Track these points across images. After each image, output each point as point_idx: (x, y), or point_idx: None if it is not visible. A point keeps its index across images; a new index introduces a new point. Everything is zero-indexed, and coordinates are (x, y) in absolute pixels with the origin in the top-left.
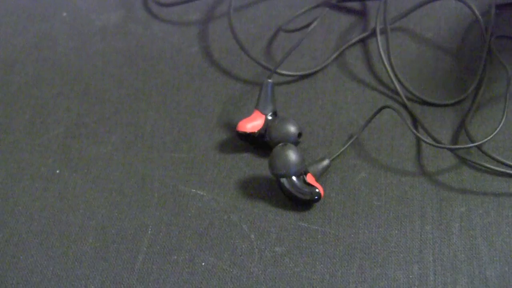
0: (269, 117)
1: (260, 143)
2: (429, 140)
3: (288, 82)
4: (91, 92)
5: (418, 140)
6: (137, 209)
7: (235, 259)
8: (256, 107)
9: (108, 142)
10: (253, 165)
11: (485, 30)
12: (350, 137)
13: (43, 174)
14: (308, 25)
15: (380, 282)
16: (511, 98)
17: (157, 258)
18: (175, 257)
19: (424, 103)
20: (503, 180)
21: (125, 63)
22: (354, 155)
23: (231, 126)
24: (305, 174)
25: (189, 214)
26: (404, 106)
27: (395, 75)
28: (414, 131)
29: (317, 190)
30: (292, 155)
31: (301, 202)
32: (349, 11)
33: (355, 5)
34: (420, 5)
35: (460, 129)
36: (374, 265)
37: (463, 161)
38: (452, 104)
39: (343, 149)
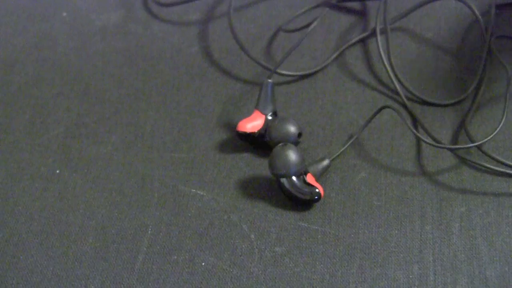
0: (269, 117)
1: (260, 143)
2: (429, 140)
3: (288, 82)
4: (91, 92)
5: (418, 140)
6: (137, 209)
7: (235, 259)
8: (256, 107)
9: (108, 142)
10: (253, 165)
11: (485, 30)
12: (350, 137)
13: (43, 174)
14: (308, 25)
15: (380, 282)
16: (511, 98)
17: (157, 258)
18: (175, 257)
19: (424, 103)
20: (503, 180)
21: (125, 63)
22: (354, 155)
23: (231, 126)
24: (305, 174)
25: (189, 214)
26: (404, 106)
27: (395, 75)
28: (414, 131)
29: (317, 190)
30: (292, 155)
31: (301, 202)
32: (349, 11)
33: (355, 5)
34: (420, 5)
35: (460, 129)
36: (374, 265)
37: (463, 161)
38: (452, 104)
39: (343, 149)
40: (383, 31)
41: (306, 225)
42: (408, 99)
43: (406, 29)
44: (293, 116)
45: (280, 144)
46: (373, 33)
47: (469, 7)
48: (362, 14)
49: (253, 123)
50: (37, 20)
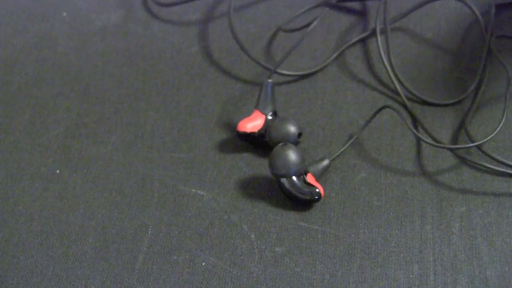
0: (269, 117)
1: (260, 143)
2: (429, 140)
3: (288, 82)
4: (91, 92)
5: (418, 140)
6: (137, 209)
7: (235, 259)
8: (256, 107)
9: (108, 142)
10: (253, 165)
11: (485, 30)
12: (350, 137)
13: (43, 174)
14: (308, 25)
15: (380, 282)
16: (511, 98)
17: (157, 258)
18: (175, 257)
19: (424, 103)
20: (503, 180)
21: (125, 63)
22: (354, 155)
23: (231, 126)
24: (305, 174)
25: (189, 214)
26: (404, 106)
27: (395, 75)
28: (414, 131)
29: (317, 190)
30: (292, 155)
31: (301, 202)
32: (349, 11)
33: (355, 5)
34: (420, 5)
35: (460, 129)
36: (374, 265)
37: (463, 161)
38: (452, 104)
39: (343, 149)
40: (383, 31)
41: (306, 225)
42: (408, 99)
43: (406, 29)
44: (293, 116)
45: (280, 144)
46: (373, 33)
47: (469, 7)
48: (362, 14)
49: (253, 123)
50: (37, 20)
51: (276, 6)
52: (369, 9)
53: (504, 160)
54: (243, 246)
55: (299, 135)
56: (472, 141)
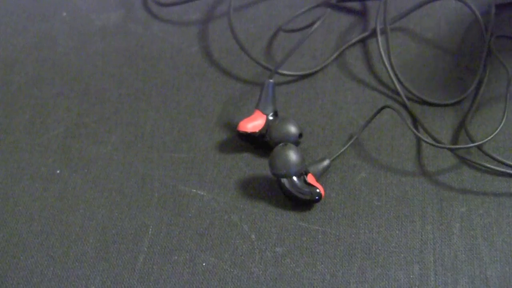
0: (270, 117)
1: (260, 143)
2: (429, 140)
3: (288, 82)
4: (91, 92)
5: (418, 140)
6: (137, 209)
7: (235, 259)
8: (257, 107)
9: (108, 142)
10: (253, 165)
11: (485, 30)
12: (350, 137)
13: (43, 174)
14: (308, 26)
15: (381, 282)
16: (511, 98)
17: (157, 258)
18: (176, 257)
19: (424, 103)
20: (504, 180)
21: (125, 63)
22: (354, 155)
23: (231, 126)
24: (306, 174)
25: (190, 214)
26: (404, 106)
27: (395, 75)
28: (414, 131)
29: (317, 190)
30: (293, 155)
31: (301, 202)
32: (349, 11)
33: (355, 5)
34: (420, 5)
35: (460, 129)
36: (375, 265)
37: (463, 161)
38: (452, 104)
39: (343, 149)
40: (383, 31)
41: (306, 225)
42: (408, 99)
43: (406, 29)
44: (293, 116)
45: (280, 144)
46: (373, 33)
47: (469, 7)
48: (362, 14)
49: (254, 123)
50: (37, 20)
51: (276, 6)
52: (369, 9)
53: (504, 160)
54: (244, 246)
55: (300, 135)
56: (472, 141)
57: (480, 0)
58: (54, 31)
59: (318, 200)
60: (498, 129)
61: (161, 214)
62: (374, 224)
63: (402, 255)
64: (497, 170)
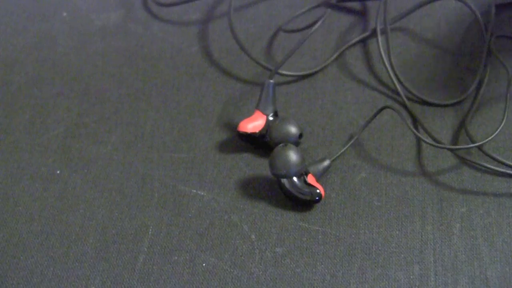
0: (270, 118)
1: (260, 144)
2: (429, 140)
3: (288, 82)
4: (91, 92)
5: (418, 140)
6: (137, 209)
7: (235, 260)
8: (257, 107)
9: (108, 142)
10: (253, 165)
11: (485, 30)
12: (350, 137)
13: (43, 174)
14: (308, 26)
15: (381, 282)
16: (511, 98)
17: (157, 258)
18: (176, 257)
19: (424, 103)
20: (504, 180)
21: (125, 63)
22: (354, 155)
23: (231, 126)
24: (306, 174)
25: (190, 215)
26: (404, 106)
27: (395, 75)
28: (414, 131)
29: (317, 190)
30: (293, 156)
31: (301, 203)
32: (349, 11)
33: (355, 5)
34: (420, 5)
35: (460, 129)
36: (375, 266)
37: (464, 161)
38: (452, 104)
39: (343, 149)
40: (383, 31)
41: (306, 225)
42: (408, 99)
43: (406, 29)
44: (293, 116)
45: (280, 145)
46: (373, 33)
47: (469, 7)
48: (362, 14)
49: (254, 123)
50: (37, 20)
51: (276, 6)
52: (369, 9)
53: (505, 161)
54: (244, 246)
55: (300, 135)
56: (473, 142)
57: (480, 0)
58: (54, 31)
59: (318, 201)
60: (498, 129)
61: (161, 214)
62: (374, 224)
63: (402, 255)
64: (497, 170)
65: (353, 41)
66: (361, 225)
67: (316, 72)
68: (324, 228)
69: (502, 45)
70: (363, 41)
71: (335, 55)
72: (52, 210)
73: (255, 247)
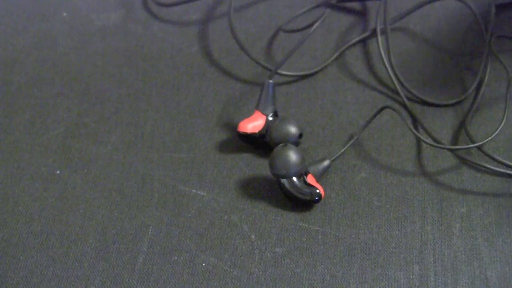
0: (270, 118)
1: (260, 144)
2: (429, 140)
3: (288, 82)
4: (91, 92)
5: (418, 140)
6: (137, 209)
7: (235, 260)
8: (257, 107)
9: (108, 142)
10: (253, 165)
11: (485, 30)
12: (350, 137)
13: (43, 174)
14: (308, 26)
15: (381, 282)
16: (511, 99)
17: (157, 258)
18: (176, 257)
19: (424, 103)
20: (504, 180)
21: (125, 63)
22: (354, 155)
23: (231, 126)
24: (306, 174)
25: (189, 215)
26: (404, 106)
27: (395, 75)
28: (414, 131)
29: (317, 190)
30: (293, 156)
31: (301, 203)
32: (349, 11)
33: (355, 5)
34: (420, 5)
35: (460, 129)
36: (375, 266)
37: (463, 161)
38: (452, 104)
39: (343, 149)
40: (383, 31)
41: (306, 225)
42: (408, 99)
43: (406, 29)
44: (293, 116)
45: (280, 145)
46: (373, 33)
47: (469, 7)
48: (362, 14)
49: (254, 124)
50: (37, 20)
51: (276, 6)
52: (369, 9)
53: (504, 161)
54: (243, 246)
55: (300, 135)
56: (472, 142)
57: (480, 0)
58: (54, 31)
59: (318, 201)
60: (498, 130)
61: (161, 214)
62: (374, 224)
63: (402, 255)
64: (497, 171)
65: (353, 41)
66: (361, 225)
67: (316, 72)
68: (324, 228)
69: (502, 45)
70: (363, 41)
71: (335, 55)
72: (52, 210)
73: (255, 247)
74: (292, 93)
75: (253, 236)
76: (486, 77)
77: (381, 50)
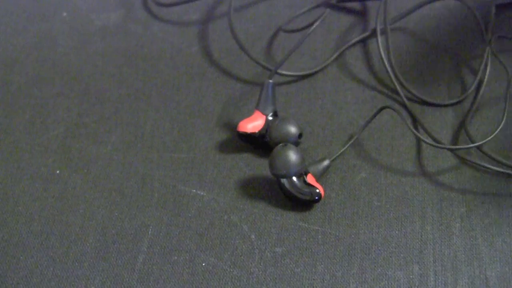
0: (270, 118)
1: (260, 144)
2: (429, 140)
3: (288, 82)
4: (91, 92)
5: (418, 140)
6: (137, 209)
7: (235, 260)
8: (257, 107)
9: (108, 142)
10: (253, 165)
11: (485, 30)
12: (350, 137)
13: (43, 174)
14: (308, 26)
15: (381, 282)
16: (511, 99)
17: (157, 258)
18: (176, 257)
19: (424, 103)
20: (503, 180)
21: (125, 63)
22: (354, 155)
23: (231, 126)
24: (306, 174)
25: (189, 215)
26: (404, 106)
27: (395, 75)
28: (414, 131)
29: (317, 190)
30: (293, 156)
31: (301, 203)
32: (349, 11)
33: (355, 5)
34: (420, 5)
35: (460, 129)
36: (375, 266)
37: (463, 161)
38: (452, 104)
39: (343, 149)
40: (383, 31)
41: (306, 225)
42: (408, 99)
43: (406, 29)
44: (293, 116)
45: (280, 145)
46: (373, 33)
47: (469, 7)
48: (362, 14)
49: (253, 123)
50: (37, 20)
51: (276, 6)
52: (369, 9)
53: (504, 161)
54: (243, 246)
55: (300, 135)
56: (472, 142)
57: (480, 0)
58: (54, 31)
59: (318, 201)
60: (498, 129)
61: (161, 214)
62: (374, 224)
63: (401, 255)
64: (497, 171)
65: (353, 41)
66: (360, 225)
67: (316, 72)
68: (324, 228)
69: (502, 45)
70: (363, 41)
71: (335, 55)
72: (52, 210)
73: (255, 247)
74: (292, 93)
75: (253, 236)
76: (486, 77)
77: (381, 50)
